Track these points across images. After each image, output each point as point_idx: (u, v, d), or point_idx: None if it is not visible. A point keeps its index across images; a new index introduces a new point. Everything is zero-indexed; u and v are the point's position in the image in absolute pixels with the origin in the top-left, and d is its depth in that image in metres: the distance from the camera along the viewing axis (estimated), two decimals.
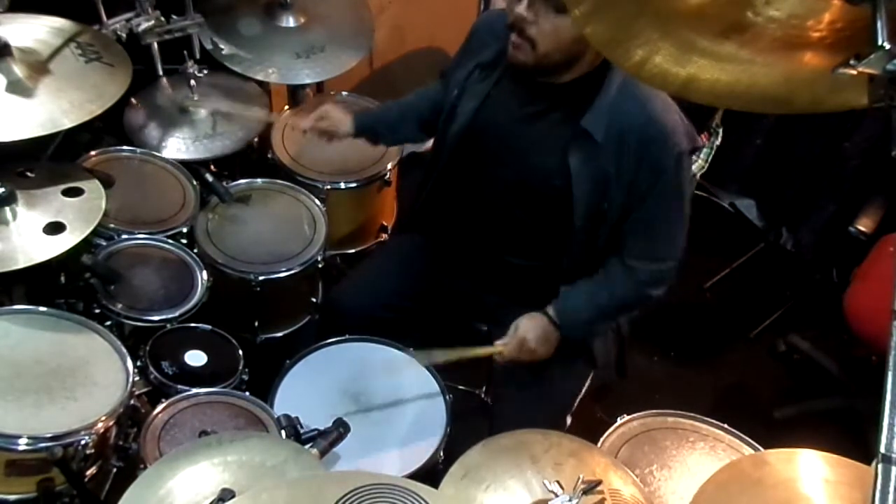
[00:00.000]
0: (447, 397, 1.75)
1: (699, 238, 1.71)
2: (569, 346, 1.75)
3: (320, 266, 2.05)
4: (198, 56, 2.19)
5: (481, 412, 2.15)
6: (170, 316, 1.78)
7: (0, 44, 1.61)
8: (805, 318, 2.80)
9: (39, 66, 1.69)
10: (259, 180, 2.17)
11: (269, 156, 2.26)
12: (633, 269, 1.68)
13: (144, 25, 2.02)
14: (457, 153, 1.76)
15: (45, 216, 1.64)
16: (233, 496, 1.13)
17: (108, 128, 2.14)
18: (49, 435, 1.39)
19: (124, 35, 2.00)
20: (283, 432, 1.54)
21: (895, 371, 0.72)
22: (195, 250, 1.94)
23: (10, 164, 1.73)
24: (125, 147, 2.08)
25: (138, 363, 1.67)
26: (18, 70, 1.63)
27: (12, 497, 1.45)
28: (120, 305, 1.75)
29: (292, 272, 1.97)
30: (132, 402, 1.57)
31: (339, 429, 1.53)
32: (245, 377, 1.78)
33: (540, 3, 1.48)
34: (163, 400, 1.61)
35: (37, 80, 1.65)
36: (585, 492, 1.25)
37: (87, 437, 1.43)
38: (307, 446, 1.47)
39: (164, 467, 1.24)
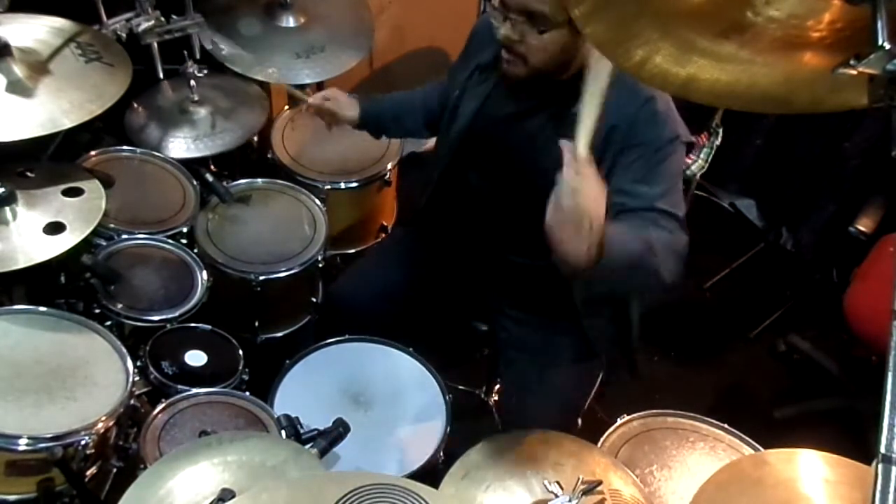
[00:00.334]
0: (447, 397, 1.75)
1: (699, 238, 1.70)
2: (573, 340, 1.74)
3: (320, 266, 2.06)
4: (198, 56, 2.19)
5: (481, 412, 2.15)
6: (170, 316, 1.78)
7: (0, 44, 1.61)
8: (805, 318, 2.80)
9: (39, 66, 1.69)
10: (259, 180, 2.18)
11: (269, 156, 2.26)
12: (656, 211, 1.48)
13: (144, 25, 2.02)
14: (459, 153, 1.77)
15: (45, 216, 1.64)
16: (233, 496, 1.13)
17: (108, 128, 2.14)
18: (49, 435, 1.39)
19: (124, 35, 2.00)
20: (283, 432, 1.54)
21: (895, 371, 0.72)
22: (195, 250, 1.94)
23: (10, 164, 1.74)
24: (125, 147, 2.08)
25: (138, 363, 1.67)
26: (18, 70, 1.63)
27: (12, 497, 1.45)
28: (120, 305, 1.75)
29: (292, 272, 1.97)
30: (132, 402, 1.57)
31: (339, 429, 1.53)
32: (245, 377, 1.78)
33: (523, 25, 1.48)
34: (163, 400, 1.61)
35: (37, 80, 1.65)
36: (585, 492, 1.25)
37: (87, 437, 1.43)
38: (307, 446, 1.47)
39: (164, 467, 1.24)
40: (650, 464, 1.58)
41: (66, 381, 1.50)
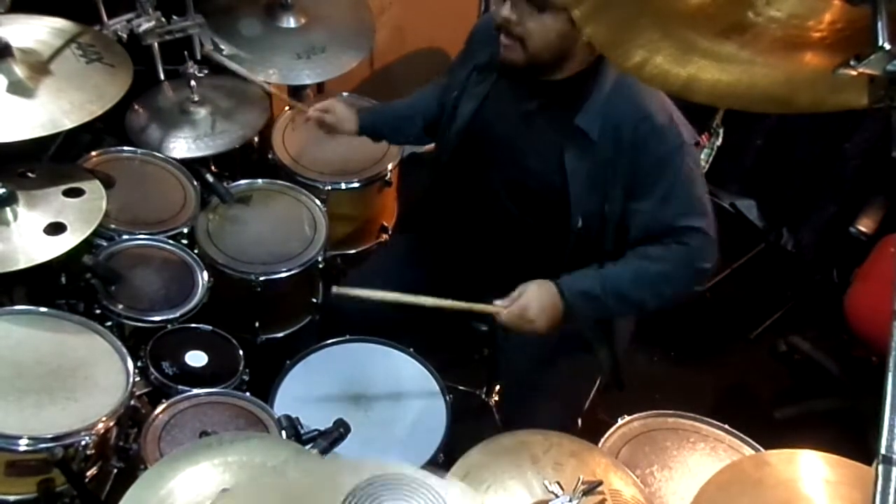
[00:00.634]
0: (447, 397, 1.75)
1: None
2: (572, 341, 1.74)
3: (321, 266, 2.06)
4: (198, 56, 2.19)
5: (481, 412, 2.15)
6: (170, 316, 1.78)
7: (1, 44, 1.61)
8: (805, 319, 2.80)
9: (40, 66, 1.69)
10: (260, 181, 2.18)
11: (270, 156, 2.26)
12: (665, 244, 1.58)
13: (145, 26, 2.02)
14: (457, 153, 1.77)
15: (45, 217, 1.64)
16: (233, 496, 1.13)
17: (109, 128, 2.14)
18: (50, 435, 1.39)
19: (125, 36, 2.00)
20: (283, 433, 1.54)
21: (895, 371, 0.72)
22: (196, 251, 1.94)
23: (10, 164, 1.74)
24: (126, 147, 2.08)
25: (139, 364, 1.67)
26: (19, 71, 1.64)
27: (12, 497, 1.45)
28: (120, 306, 1.75)
29: (293, 272, 1.97)
30: (133, 402, 1.57)
31: (340, 429, 1.53)
32: (245, 377, 1.78)
33: (523, 4, 1.49)
34: (163, 400, 1.61)
35: (38, 80, 1.65)
36: (586, 492, 1.25)
37: (87, 438, 1.43)
38: (308, 447, 1.47)
39: (164, 468, 1.24)
40: (651, 464, 1.58)
41: (67, 381, 1.50)
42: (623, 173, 1.57)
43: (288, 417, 1.57)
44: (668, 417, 1.67)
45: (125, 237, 1.88)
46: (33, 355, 1.53)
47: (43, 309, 1.62)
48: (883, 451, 0.70)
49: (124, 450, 1.57)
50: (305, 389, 1.73)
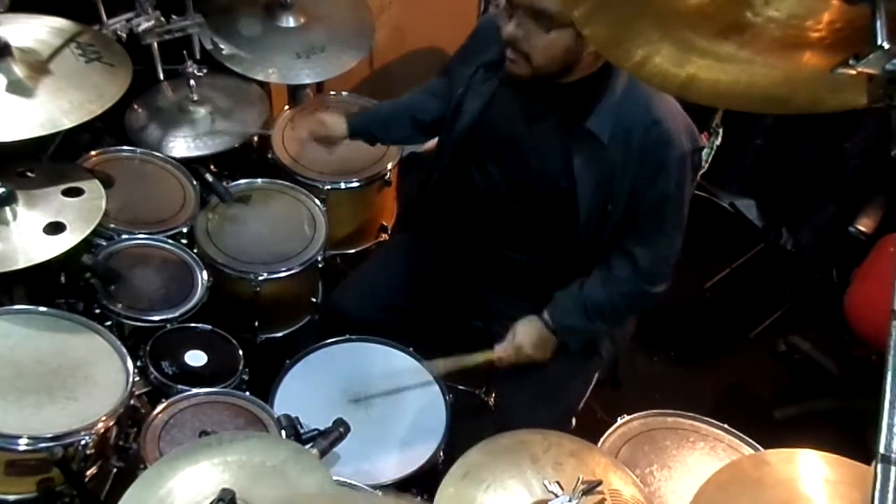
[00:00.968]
0: (447, 397, 1.75)
1: (699, 238, 1.71)
2: (569, 349, 1.75)
3: (320, 266, 2.06)
4: (198, 56, 2.19)
5: (481, 412, 2.15)
6: (170, 316, 1.78)
7: (0, 44, 1.61)
8: (805, 318, 2.80)
9: (40, 66, 1.69)
10: (259, 180, 2.18)
11: (270, 156, 2.26)
12: (633, 262, 1.67)
13: (145, 25, 2.02)
14: (460, 151, 1.77)
15: (45, 216, 1.64)
16: (233, 496, 1.13)
17: (109, 128, 2.14)
18: (49, 435, 1.39)
19: (124, 35, 2.00)
20: (283, 432, 1.54)
21: (895, 371, 0.72)
22: (195, 250, 1.94)
23: (10, 164, 1.74)
24: (125, 147, 2.08)
25: (138, 363, 1.67)
26: (19, 70, 1.63)
27: (12, 497, 1.45)
28: (120, 305, 1.75)
29: (292, 272, 1.97)
30: (132, 402, 1.57)
31: (339, 429, 1.53)
32: (245, 377, 1.78)
33: (528, 23, 1.49)
34: (163, 400, 1.61)
35: (37, 80, 1.65)
36: (585, 492, 1.25)
37: (87, 437, 1.43)
38: (307, 446, 1.47)
39: (164, 467, 1.24)
40: (650, 464, 1.58)
41: (67, 381, 1.50)
42: (630, 175, 1.58)
43: (287, 417, 1.57)
44: (667, 417, 1.67)
45: (124, 237, 1.88)
46: (33, 355, 1.53)
47: (42, 308, 1.62)
48: (882, 450, 0.70)
49: (124, 449, 1.57)
50: (305, 389, 1.73)
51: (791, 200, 2.98)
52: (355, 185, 2.22)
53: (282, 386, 1.73)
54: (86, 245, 1.69)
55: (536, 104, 1.65)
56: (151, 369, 1.69)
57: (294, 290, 2.07)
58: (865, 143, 2.65)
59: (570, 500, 1.23)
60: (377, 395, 1.74)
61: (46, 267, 1.59)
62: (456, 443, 1.62)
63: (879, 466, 0.70)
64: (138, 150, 2.08)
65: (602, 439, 1.59)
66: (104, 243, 1.84)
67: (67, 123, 1.61)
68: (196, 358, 1.75)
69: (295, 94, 2.52)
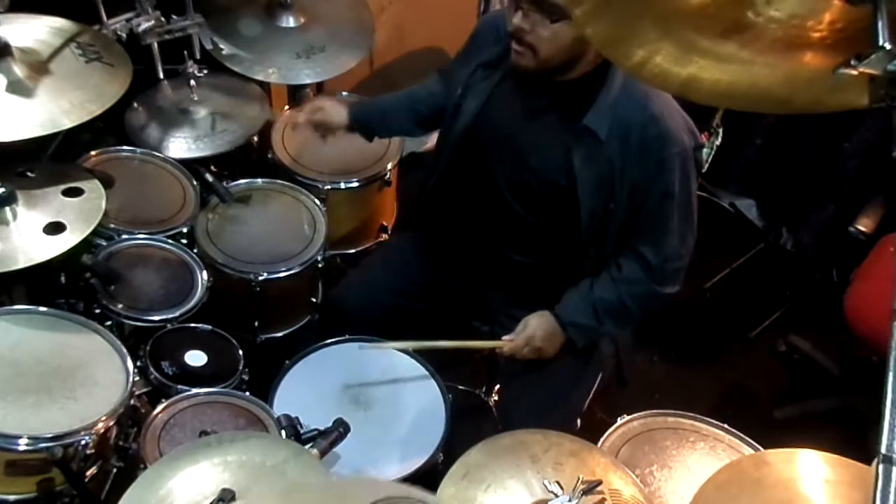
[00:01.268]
0: (447, 397, 1.75)
1: (699, 238, 1.71)
2: (577, 348, 1.75)
3: (320, 266, 2.05)
4: (198, 56, 2.19)
5: (481, 412, 2.15)
6: (170, 316, 1.78)
7: (0, 44, 1.61)
8: (805, 318, 2.80)
9: (40, 66, 1.69)
10: (259, 180, 2.17)
11: (269, 156, 2.26)
12: (642, 262, 1.67)
13: (145, 25, 2.02)
14: (460, 151, 1.77)
15: (45, 216, 1.64)
16: (233, 496, 1.13)
17: (109, 128, 2.14)
18: (49, 435, 1.39)
19: (124, 35, 1.99)
20: (283, 432, 1.54)
21: (895, 371, 0.72)
22: (195, 250, 1.94)
23: (10, 164, 1.74)
24: (125, 147, 2.08)
25: (138, 363, 1.67)
26: (19, 70, 1.63)
27: (12, 497, 1.45)
28: (120, 305, 1.75)
29: (292, 272, 1.97)
30: (132, 402, 1.57)
31: (339, 429, 1.53)
32: (245, 377, 1.78)
33: (535, 14, 1.49)
34: (163, 400, 1.61)
35: (37, 80, 1.65)
36: (585, 492, 1.25)
37: (87, 438, 1.43)
38: (307, 446, 1.47)
39: (164, 467, 1.24)
40: (650, 464, 1.58)
41: (67, 380, 1.50)
42: (630, 174, 1.58)
43: (287, 417, 1.57)
44: (667, 417, 1.67)
45: (124, 237, 1.88)
46: (33, 355, 1.53)
47: (42, 308, 1.61)
48: (883, 450, 0.70)
49: (124, 449, 1.57)
50: (305, 389, 1.73)
51: (791, 200, 2.98)
52: (355, 184, 2.22)
53: (282, 386, 1.73)
54: (86, 245, 1.69)
55: (535, 102, 1.65)
56: (151, 369, 1.69)
57: (294, 290, 2.07)
58: (865, 143, 2.65)
59: (570, 500, 1.23)
60: (377, 396, 1.74)
61: (46, 267, 1.59)
62: (456, 443, 1.62)
63: (881, 467, 0.70)
64: (138, 150, 2.08)
65: (602, 439, 1.59)
66: (104, 243, 1.84)
67: (67, 123, 1.61)
68: (196, 358, 1.75)
69: (295, 94, 2.52)
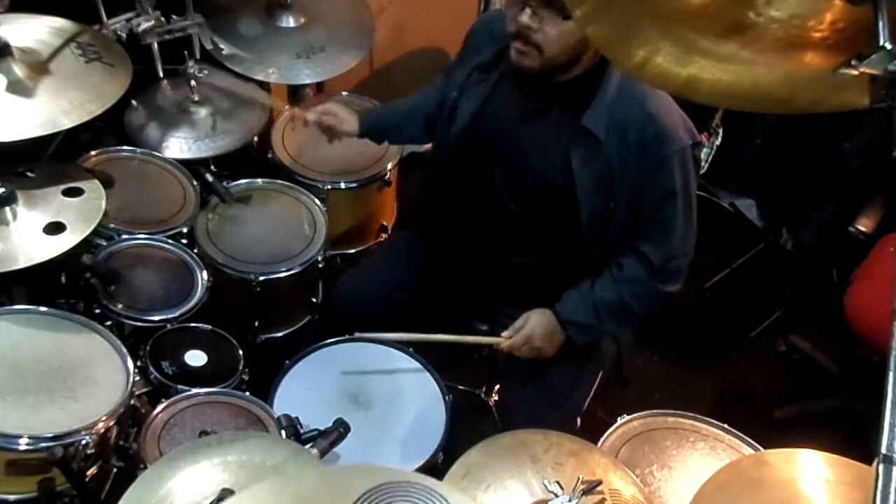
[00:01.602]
0: (447, 397, 1.75)
1: (699, 238, 1.71)
2: (576, 347, 1.75)
3: (320, 266, 2.05)
4: (198, 56, 2.19)
5: (481, 412, 2.15)
6: (170, 316, 1.78)
7: (0, 44, 1.61)
8: (805, 318, 2.80)
9: (40, 66, 1.69)
10: (259, 180, 2.17)
11: (270, 156, 2.26)
12: (644, 261, 1.66)
13: (145, 25, 2.02)
14: (458, 154, 1.77)
15: (45, 216, 1.64)
16: (233, 496, 1.13)
17: (109, 128, 2.14)
18: (49, 435, 1.39)
19: (124, 35, 2.00)
20: (283, 432, 1.54)
21: (895, 371, 0.72)
22: (195, 250, 1.94)
23: (10, 164, 1.74)
24: (125, 147, 2.08)
25: (138, 363, 1.67)
26: (19, 70, 1.63)
27: (12, 497, 1.45)
28: (120, 305, 1.75)
29: (292, 272, 1.97)
30: (132, 402, 1.57)
31: (339, 429, 1.53)
32: (245, 377, 1.78)
33: (545, 11, 1.48)
34: (163, 400, 1.61)
35: (37, 80, 1.65)
36: (585, 492, 1.25)
37: (87, 437, 1.43)
38: (307, 446, 1.47)
39: (164, 467, 1.24)
40: (650, 464, 1.58)
41: (67, 380, 1.50)
42: (630, 173, 1.58)
43: (287, 417, 1.57)
44: (667, 417, 1.67)
45: (125, 237, 1.88)
46: (33, 355, 1.53)
47: (42, 308, 1.61)
48: (883, 450, 0.70)
49: (124, 449, 1.57)
50: (305, 389, 1.73)
51: (791, 200, 2.98)
52: (355, 184, 2.22)
53: (282, 386, 1.73)
54: (86, 245, 1.69)
55: (533, 103, 1.65)
56: (151, 369, 1.69)
57: (294, 290, 2.07)
58: (865, 143, 2.65)
59: (570, 500, 1.23)
60: (377, 396, 1.74)
61: (46, 267, 1.59)
62: (456, 443, 1.62)
63: (881, 467, 0.70)
64: (138, 150, 2.08)
65: (602, 439, 1.59)
66: (104, 243, 1.84)
67: (67, 123, 1.61)
68: (196, 358, 1.75)
69: (295, 94, 2.52)
